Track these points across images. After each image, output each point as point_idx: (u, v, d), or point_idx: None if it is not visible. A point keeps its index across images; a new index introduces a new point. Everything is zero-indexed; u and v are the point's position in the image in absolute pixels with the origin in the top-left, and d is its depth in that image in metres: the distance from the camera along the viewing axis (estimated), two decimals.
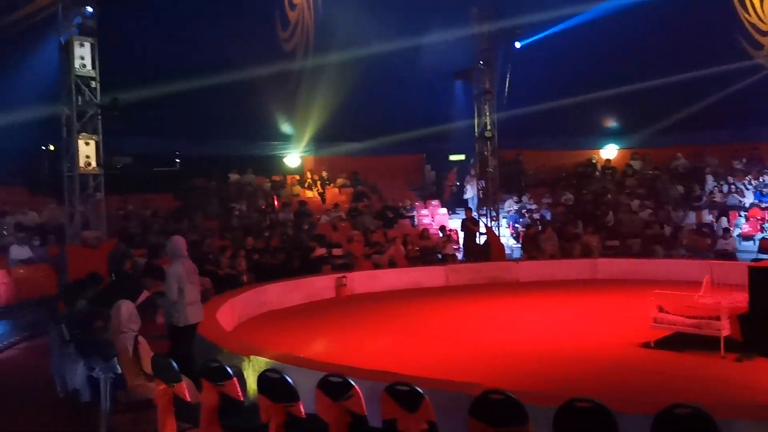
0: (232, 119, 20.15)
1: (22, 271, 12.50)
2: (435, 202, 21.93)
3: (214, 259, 13.79)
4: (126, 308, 6.27)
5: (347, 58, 19.36)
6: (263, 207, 19.18)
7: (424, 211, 21.12)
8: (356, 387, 4.48)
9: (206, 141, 20.92)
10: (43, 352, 9.23)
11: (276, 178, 21.58)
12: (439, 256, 16.79)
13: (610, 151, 23.58)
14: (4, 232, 13.41)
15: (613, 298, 12.39)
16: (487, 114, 18.80)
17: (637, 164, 22.35)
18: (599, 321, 10.60)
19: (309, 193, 21.33)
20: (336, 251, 15.84)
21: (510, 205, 21.07)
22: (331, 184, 21.99)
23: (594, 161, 23.10)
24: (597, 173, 22.43)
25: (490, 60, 18.71)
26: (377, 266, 15.48)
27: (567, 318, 10.94)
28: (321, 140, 22.89)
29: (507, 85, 20.86)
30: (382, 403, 4.33)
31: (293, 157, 22.96)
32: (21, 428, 6.74)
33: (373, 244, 16.76)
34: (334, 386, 4.55)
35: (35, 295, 12.20)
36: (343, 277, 13.70)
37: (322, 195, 21.37)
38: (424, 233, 17.67)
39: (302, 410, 4.67)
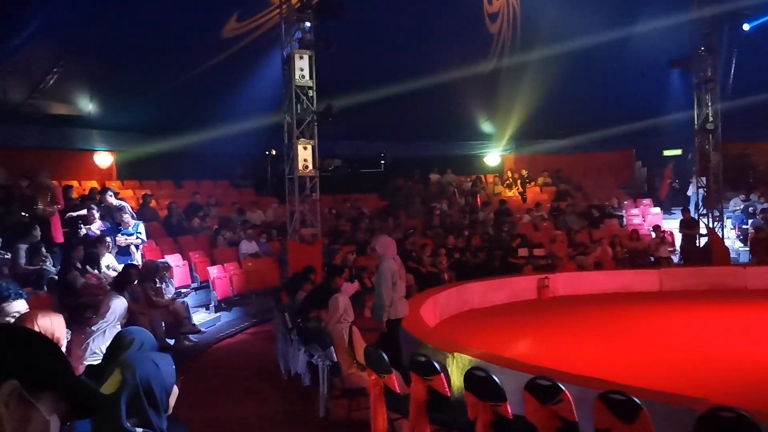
0: (434, 121, 20.60)
1: (250, 264, 13.89)
2: (646, 201, 20.45)
3: (417, 256, 14.21)
4: (343, 300, 6.72)
5: (551, 53, 18.77)
6: (463, 205, 19.38)
7: (634, 211, 19.79)
8: (566, 392, 4.35)
9: (409, 142, 21.70)
10: (269, 337, 10.24)
11: (475, 177, 21.69)
12: (652, 258, 15.65)
13: None
14: (238, 228, 15.04)
15: None
16: (709, 104, 17.04)
17: None
18: None
19: (509, 192, 21.13)
20: (538, 251, 15.47)
21: (736, 204, 18.95)
22: (532, 183, 21.55)
23: None
24: None
25: (712, 45, 16.92)
26: (582, 268, 14.85)
27: None
28: (522, 138, 22.59)
29: (732, 71, 18.79)
30: (596, 412, 4.15)
31: (493, 156, 22.90)
32: (251, 402, 7.54)
33: (577, 244, 16.11)
34: (543, 389, 4.44)
35: (261, 286, 13.59)
36: (546, 278, 13.34)
37: (522, 194, 21.05)
38: (634, 234, 16.58)
39: (509, 410, 4.64)
